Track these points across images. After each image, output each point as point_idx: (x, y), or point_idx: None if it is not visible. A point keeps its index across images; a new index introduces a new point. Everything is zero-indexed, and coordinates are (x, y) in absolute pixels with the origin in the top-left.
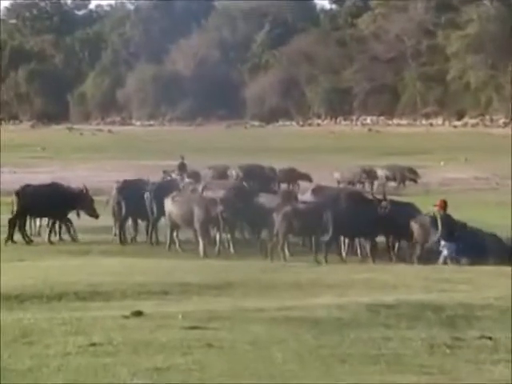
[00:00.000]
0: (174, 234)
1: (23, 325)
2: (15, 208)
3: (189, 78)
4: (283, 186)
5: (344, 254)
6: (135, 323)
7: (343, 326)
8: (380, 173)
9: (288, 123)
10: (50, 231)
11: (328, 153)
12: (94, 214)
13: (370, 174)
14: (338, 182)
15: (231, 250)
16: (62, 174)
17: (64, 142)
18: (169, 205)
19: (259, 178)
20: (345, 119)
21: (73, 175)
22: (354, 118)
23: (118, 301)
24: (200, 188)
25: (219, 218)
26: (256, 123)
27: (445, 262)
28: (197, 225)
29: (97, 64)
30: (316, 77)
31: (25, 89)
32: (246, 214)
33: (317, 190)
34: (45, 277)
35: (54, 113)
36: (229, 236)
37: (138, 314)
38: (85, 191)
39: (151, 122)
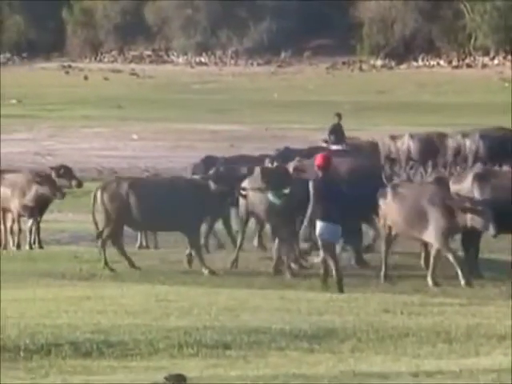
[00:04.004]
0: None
1: None
2: None
3: None
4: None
5: None
6: None
7: None
8: None
9: (433, 62)
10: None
11: (498, 114)
12: None
13: None
14: None
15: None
16: (51, 144)
17: (56, 90)
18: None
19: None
20: None
21: (71, 148)
22: None
23: (145, 358)
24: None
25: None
26: (379, 62)
27: None
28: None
29: None
30: None
31: None
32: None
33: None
34: (30, 317)
35: (41, 41)
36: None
37: (179, 379)
38: None
39: (203, 59)
